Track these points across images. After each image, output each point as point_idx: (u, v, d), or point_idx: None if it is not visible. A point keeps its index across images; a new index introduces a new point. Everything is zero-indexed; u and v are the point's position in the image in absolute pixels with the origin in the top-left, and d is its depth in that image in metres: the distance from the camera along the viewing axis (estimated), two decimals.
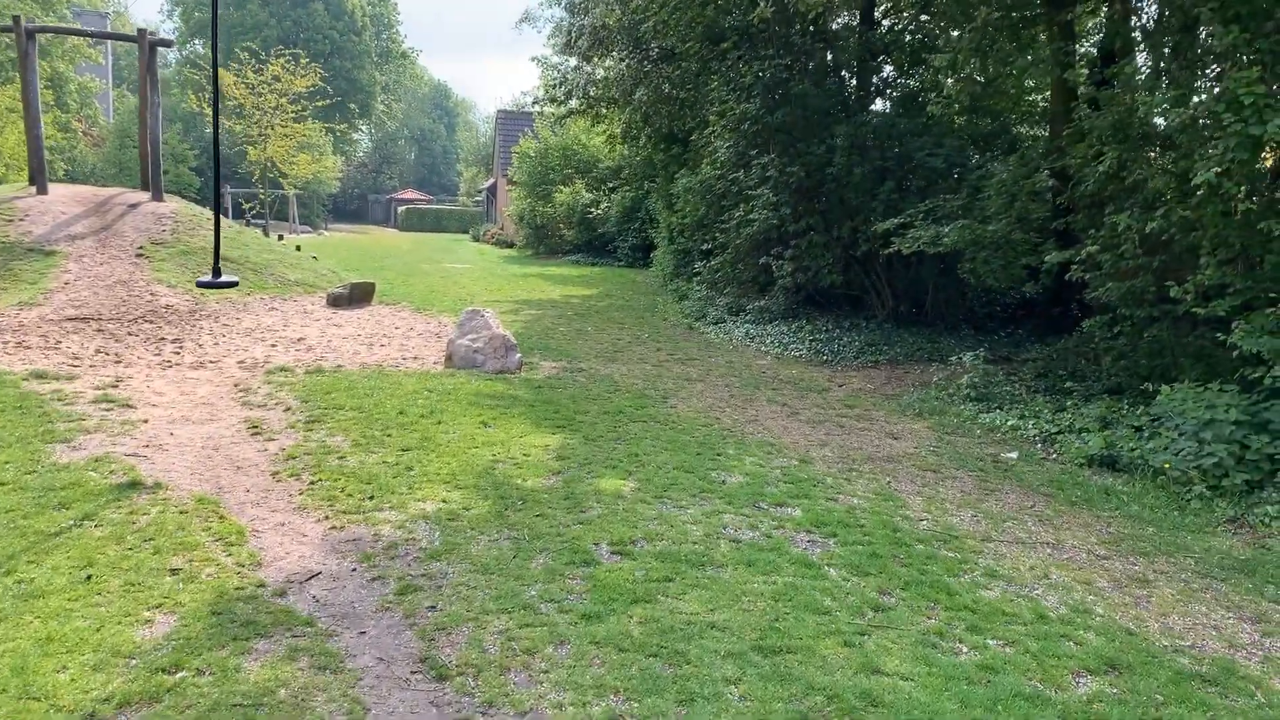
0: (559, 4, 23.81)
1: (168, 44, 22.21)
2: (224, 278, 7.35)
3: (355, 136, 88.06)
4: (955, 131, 15.14)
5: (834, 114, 14.72)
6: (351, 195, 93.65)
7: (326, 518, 5.92)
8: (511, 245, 39.68)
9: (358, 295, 18.36)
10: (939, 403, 10.36)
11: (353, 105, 76.13)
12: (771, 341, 14.51)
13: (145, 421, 8.17)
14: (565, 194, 32.71)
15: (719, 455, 7.84)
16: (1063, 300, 13.61)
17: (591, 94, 22.96)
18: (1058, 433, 8.81)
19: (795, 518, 6.27)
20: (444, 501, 6.27)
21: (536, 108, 24.24)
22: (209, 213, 23.07)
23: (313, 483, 6.62)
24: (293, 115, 36.59)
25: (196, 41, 71.87)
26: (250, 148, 36.76)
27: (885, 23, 16.81)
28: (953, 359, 12.11)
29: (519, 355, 11.31)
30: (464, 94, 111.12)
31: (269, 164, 36.60)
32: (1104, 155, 8.95)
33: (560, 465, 7.25)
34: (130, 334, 13.49)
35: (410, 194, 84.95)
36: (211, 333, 13.81)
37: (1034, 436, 8.92)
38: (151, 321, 14.74)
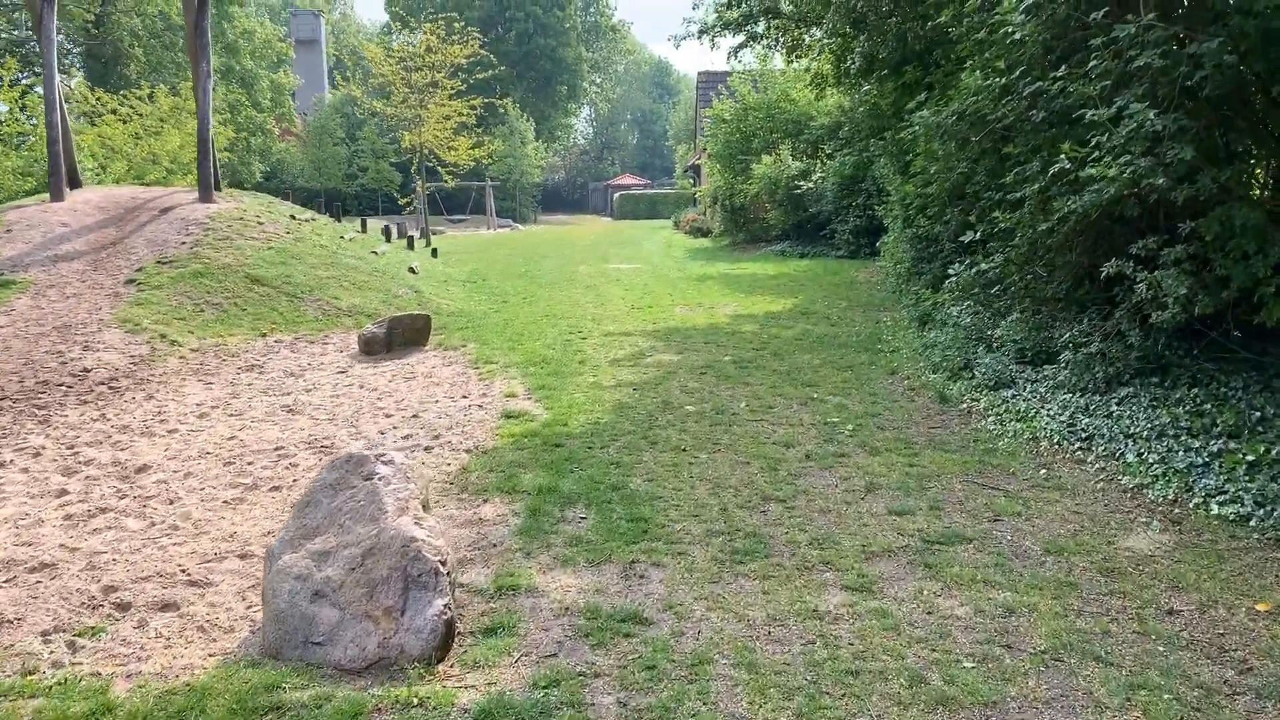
0: None
1: None
2: None
3: (570, 122, 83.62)
4: None
5: None
6: (575, 184, 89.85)
7: None
8: (708, 233, 32.31)
9: (400, 337, 11.82)
10: None
11: (561, 86, 71.38)
12: (1142, 454, 6.32)
13: None
14: (766, 164, 24.89)
15: None
16: None
17: (781, 8, 15.11)
18: None
19: None
20: None
21: (705, 40, 16.77)
22: (270, 214, 17.38)
23: None
24: (450, 92, 31.01)
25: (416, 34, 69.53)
26: (405, 132, 31.55)
27: None
28: None
29: (442, 603, 3.88)
30: (685, 70, 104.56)
31: (426, 150, 31.21)
32: None
33: None
34: None
35: (627, 179, 79.47)
36: (17, 453, 7.51)
37: None
38: None
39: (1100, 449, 6.67)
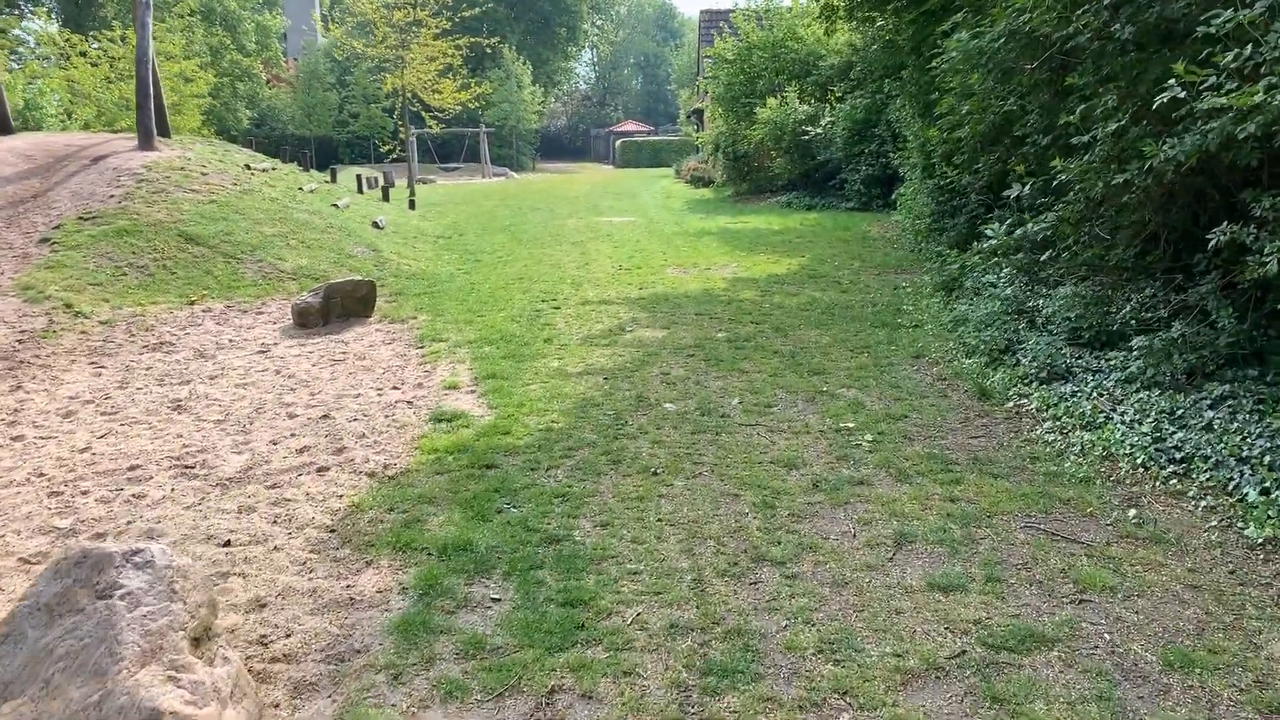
0: None
1: None
2: None
3: (570, 66, 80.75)
4: None
5: None
6: (576, 130, 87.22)
7: None
8: (709, 183, 30.39)
9: (338, 307, 10.21)
10: None
11: (560, 28, 68.63)
12: (1269, 490, 4.65)
13: None
14: (771, 108, 22.95)
15: None
16: None
17: None
18: None
19: None
20: None
21: None
22: (220, 163, 15.65)
23: None
24: (435, 31, 28.87)
25: None
26: (387, 75, 29.49)
27: None
28: None
29: None
30: (689, 13, 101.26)
31: (409, 94, 29.16)
32: None
33: None
34: None
35: (629, 125, 76.79)
36: None
37: None
38: None
39: (1203, 477, 5.02)
